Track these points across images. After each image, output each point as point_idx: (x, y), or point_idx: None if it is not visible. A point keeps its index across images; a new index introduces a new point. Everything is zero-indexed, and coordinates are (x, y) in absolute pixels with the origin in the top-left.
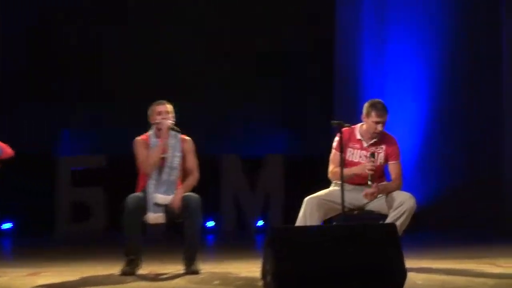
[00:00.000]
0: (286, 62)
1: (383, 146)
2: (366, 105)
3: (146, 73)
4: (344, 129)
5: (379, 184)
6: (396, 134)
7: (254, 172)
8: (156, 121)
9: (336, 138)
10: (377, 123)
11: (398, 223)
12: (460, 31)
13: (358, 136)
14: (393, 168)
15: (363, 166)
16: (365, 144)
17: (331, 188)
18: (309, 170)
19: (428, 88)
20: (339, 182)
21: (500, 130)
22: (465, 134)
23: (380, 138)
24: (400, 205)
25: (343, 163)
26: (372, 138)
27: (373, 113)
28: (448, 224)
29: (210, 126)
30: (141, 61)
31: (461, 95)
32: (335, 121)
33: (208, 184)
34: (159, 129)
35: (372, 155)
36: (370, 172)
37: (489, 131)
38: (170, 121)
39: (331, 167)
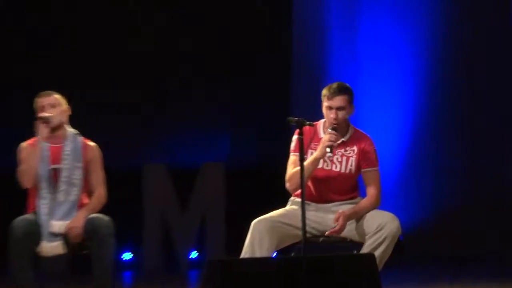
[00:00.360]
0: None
1: (355, 148)
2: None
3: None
4: (304, 127)
5: (350, 203)
6: (375, 138)
7: (187, 186)
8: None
9: (295, 137)
10: (329, 108)
11: (377, 253)
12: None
13: (322, 135)
14: (369, 177)
15: (322, 142)
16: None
17: (288, 207)
18: (259, 183)
19: (415, 80)
20: (299, 199)
21: (508, 137)
22: (463, 140)
23: (352, 137)
24: (379, 229)
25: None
26: (341, 136)
27: (325, 98)
28: (439, 254)
29: (131, 131)
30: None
31: (457, 91)
32: (293, 118)
33: (125, 204)
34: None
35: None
36: (329, 143)
37: (493, 138)
38: (47, 114)
39: (289, 172)
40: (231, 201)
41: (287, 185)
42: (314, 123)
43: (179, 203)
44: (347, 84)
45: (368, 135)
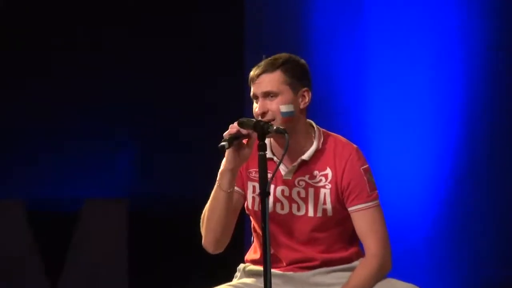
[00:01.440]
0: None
1: (328, 171)
2: None
3: None
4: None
5: (344, 269)
6: (395, 175)
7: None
8: None
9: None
10: (254, 96)
11: None
12: None
13: (268, 154)
14: (362, 221)
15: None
16: (283, 172)
17: (235, 281)
18: (185, 230)
19: (465, 84)
20: (254, 266)
21: None
22: None
23: (320, 151)
24: None
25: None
26: (298, 153)
27: (249, 78)
28: None
29: None
30: None
31: None
32: (249, 120)
33: None
34: None
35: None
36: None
37: None
38: None
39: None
40: (138, 259)
41: (202, 240)
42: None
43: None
44: (295, 56)
45: (351, 143)
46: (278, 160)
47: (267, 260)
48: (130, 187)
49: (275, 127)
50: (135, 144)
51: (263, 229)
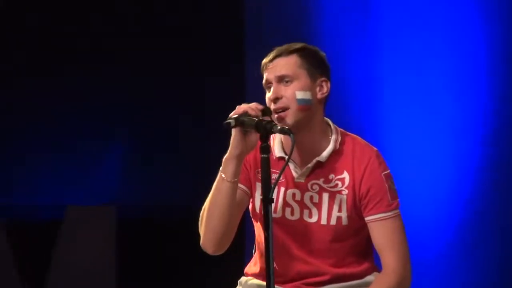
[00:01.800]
0: None
1: (345, 176)
2: None
3: None
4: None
5: (353, 286)
6: (414, 181)
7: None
8: None
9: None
10: (266, 85)
11: None
12: None
13: (278, 153)
14: (381, 232)
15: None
16: (295, 173)
17: None
18: (176, 238)
19: (490, 83)
20: (257, 280)
21: None
22: None
23: (337, 153)
24: None
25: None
26: (313, 154)
27: (262, 70)
28: None
29: None
30: None
31: None
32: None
33: None
34: None
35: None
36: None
37: None
38: None
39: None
40: (123, 261)
41: (201, 239)
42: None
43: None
44: (310, 46)
45: (370, 145)
46: (291, 160)
47: (270, 274)
48: (116, 194)
49: (279, 127)
50: (122, 148)
51: (266, 239)
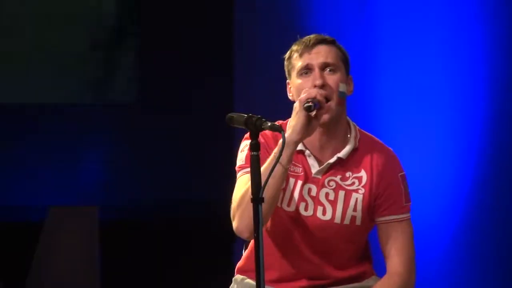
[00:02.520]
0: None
1: (363, 174)
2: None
3: None
4: (263, 132)
5: None
6: (412, 182)
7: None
8: None
9: (246, 143)
10: (305, 72)
11: None
12: None
13: (299, 146)
14: (392, 235)
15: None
16: (314, 168)
17: None
18: (162, 239)
19: (488, 81)
20: (250, 280)
21: None
22: None
23: (357, 152)
24: None
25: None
26: (334, 150)
27: (295, 56)
28: None
29: None
30: None
31: None
32: (240, 115)
33: None
34: None
35: (309, 107)
36: (309, 98)
37: None
38: None
39: (236, 197)
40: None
41: (235, 224)
42: (281, 122)
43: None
44: None
45: (389, 148)
46: (310, 154)
47: (260, 272)
48: (99, 194)
49: (269, 124)
50: (104, 149)
51: (256, 239)
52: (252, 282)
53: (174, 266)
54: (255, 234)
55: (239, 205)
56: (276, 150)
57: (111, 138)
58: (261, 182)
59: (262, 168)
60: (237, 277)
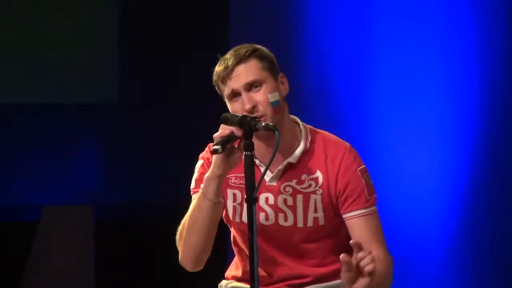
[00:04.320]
0: None
1: (318, 174)
2: None
3: None
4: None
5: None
6: (404, 184)
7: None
8: None
9: (198, 165)
10: (233, 95)
11: None
12: None
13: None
14: (363, 230)
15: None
16: (267, 177)
17: None
18: (157, 239)
19: (481, 85)
20: (237, 283)
21: None
22: None
23: (309, 152)
24: None
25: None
26: (283, 155)
27: (220, 80)
28: None
29: None
30: None
31: None
32: (235, 116)
33: None
34: None
35: (215, 151)
36: (219, 138)
37: None
38: None
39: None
40: (101, 261)
41: (179, 255)
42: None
43: None
44: (258, 45)
45: (342, 141)
46: (261, 163)
47: (254, 275)
48: (94, 193)
49: (263, 123)
50: (99, 147)
51: (250, 240)
52: (238, 285)
53: (169, 266)
54: (249, 235)
55: (179, 239)
56: (202, 185)
57: (105, 138)
58: (254, 182)
59: (192, 203)
60: (222, 282)
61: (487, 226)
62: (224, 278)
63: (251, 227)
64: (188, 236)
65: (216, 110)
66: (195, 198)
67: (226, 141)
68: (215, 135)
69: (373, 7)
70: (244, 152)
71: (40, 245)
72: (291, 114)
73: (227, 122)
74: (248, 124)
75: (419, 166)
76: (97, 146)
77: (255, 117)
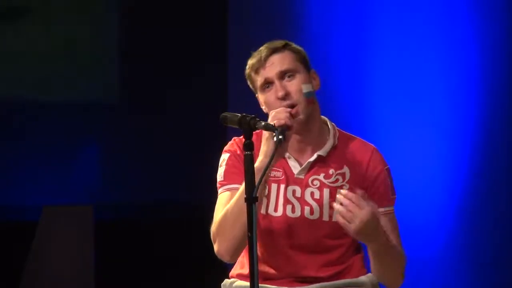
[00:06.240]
0: None
1: (346, 170)
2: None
3: None
4: (239, 138)
5: (349, 284)
6: (404, 182)
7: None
8: None
9: (224, 157)
10: (266, 85)
11: None
12: None
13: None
14: (384, 226)
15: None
16: (295, 170)
17: None
18: (157, 239)
19: (480, 81)
20: (241, 282)
21: None
22: None
23: (337, 149)
24: None
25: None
26: (313, 148)
27: (254, 71)
28: None
29: None
30: None
31: None
32: (234, 115)
33: None
34: None
35: (279, 141)
36: (282, 122)
37: None
38: None
39: (216, 219)
40: (101, 262)
41: (216, 247)
42: (235, 139)
43: None
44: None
45: (369, 143)
46: (290, 156)
47: (254, 275)
48: (93, 193)
49: (263, 123)
50: (99, 147)
51: (250, 239)
52: (241, 283)
53: (169, 266)
54: (249, 234)
55: (218, 228)
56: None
57: (106, 138)
58: (254, 181)
59: (238, 193)
60: (226, 281)
61: (484, 224)
62: (228, 277)
63: (251, 227)
64: (232, 228)
65: (216, 110)
66: (223, 191)
67: (283, 132)
68: (267, 124)
69: (374, 7)
70: (244, 152)
71: (40, 245)
72: None
73: (226, 121)
74: (248, 123)
75: (419, 165)
76: (97, 146)
77: (255, 117)
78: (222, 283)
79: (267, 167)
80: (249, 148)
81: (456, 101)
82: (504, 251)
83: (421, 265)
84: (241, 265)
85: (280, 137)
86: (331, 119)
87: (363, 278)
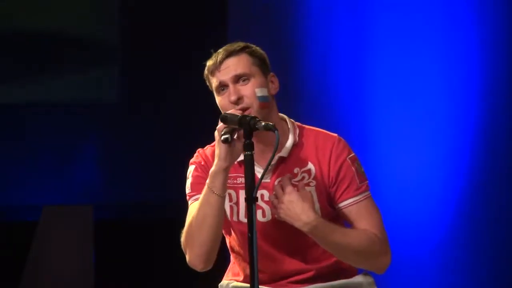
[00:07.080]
0: None
1: (311, 166)
2: None
3: None
4: (204, 153)
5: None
6: (403, 181)
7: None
8: None
9: (190, 169)
10: (220, 88)
11: None
12: None
13: (242, 156)
14: (355, 214)
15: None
16: (259, 174)
17: None
18: (156, 239)
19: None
20: (238, 283)
21: None
22: None
23: (299, 146)
24: None
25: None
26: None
27: (209, 75)
28: None
29: None
30: None
31: None
32: (233, 115)
33: None
34: None
35: (226, 140)
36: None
37: None
38: None
39: (185, 230)
40: (101, 261)
41: (188, 257)
42: (198, 151)
43: None
44: (251, 44)
45: (331, 133)
46: (254, 162)
47: (254, 275)
48: (93, 193)
49: (263, 123)
50: (98, 147)
51: (250, 239)
52: (240, 284)
53: (168, 266)
54: (249, 234)
55: (186, 236)
56: (208, 181)
57: (105, 137)
58: (254, 182)
59: (200, 199)
60: (223, 282)
61: (483, 223)
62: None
63: (251, 227)
64: (198, 233)
65: (216, 110)
66: (192, 203)
67: (231, 131)
68: (218, 127)
69: (374, 6)
70: (244, 152)
71: (40, 245)
72: (292, 113)
73: (226, 121)
74: (247, 123)
75: (419, 165)
76: (97, 146)
77: (255, 117)
78: (219, 284)
79: (227, 168)
80: (250, 148)
81: (457, 101)
82: (503, 250)
83: (420, 263)
84: (233, 273)
85: (226, 136)
86: (331, 120)
87: (359, 278)
